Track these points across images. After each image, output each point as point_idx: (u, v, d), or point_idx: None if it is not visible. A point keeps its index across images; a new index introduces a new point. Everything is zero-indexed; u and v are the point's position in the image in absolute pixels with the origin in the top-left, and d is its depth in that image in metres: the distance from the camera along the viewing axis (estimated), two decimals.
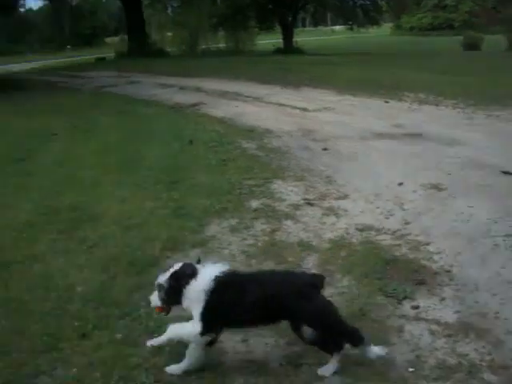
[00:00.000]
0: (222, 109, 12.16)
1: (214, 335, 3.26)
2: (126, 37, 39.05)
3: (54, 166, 8.35)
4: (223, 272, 3.26)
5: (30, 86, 22.06)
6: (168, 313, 3.39)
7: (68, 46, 61.52)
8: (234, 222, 5.51)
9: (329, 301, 3.30)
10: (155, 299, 3.38)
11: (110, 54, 37.76)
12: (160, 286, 3.32)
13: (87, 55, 43.62)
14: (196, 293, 3.19)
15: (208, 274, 3.24)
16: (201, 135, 9.37)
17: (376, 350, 3.20)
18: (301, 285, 3.20)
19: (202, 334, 3.19)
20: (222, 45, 38.20)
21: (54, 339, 3.67)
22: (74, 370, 3.35)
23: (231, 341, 3.55)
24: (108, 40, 63.15)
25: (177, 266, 3.34)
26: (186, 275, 3.25)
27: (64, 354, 3.51)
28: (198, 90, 15.79)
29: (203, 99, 13.77)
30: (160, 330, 3.65)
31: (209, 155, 8.03)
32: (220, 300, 3.18)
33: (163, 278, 3.31)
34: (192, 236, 5.20)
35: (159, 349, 3.44)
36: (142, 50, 32.69)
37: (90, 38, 66.43)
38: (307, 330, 3.15)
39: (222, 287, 3.19)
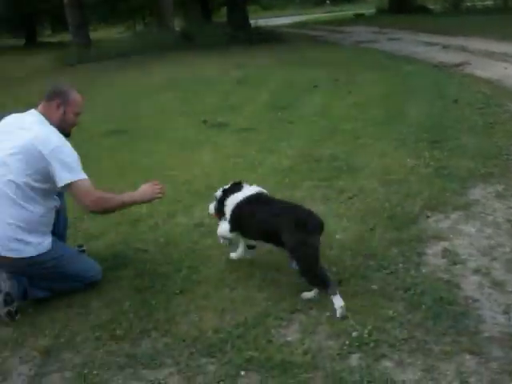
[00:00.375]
0: (488, 70, 11.40)
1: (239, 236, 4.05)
2: None
3: (315, 116, 8.58)
4: (251, 194, 3.98)
5: (291, 39, 22.77)
6: (220, 219, 4.13)
7: (327, 1, 62.14)
8: (500, 187, 5.16)
9: (314, 244, 3.53)
10: (211, 207, 4.22)
11: (368, 10, 37.52)
12: (215, 198, 4.14)
13: (346, 11, 43.79)
14: (229, 205, 3.95)
15: (242, 193, 3.97)
16: (465, 96, 8.90)
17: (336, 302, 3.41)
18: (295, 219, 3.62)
19: (231, 231, 3.96)
20: (489, 2, 35.75)
21: None
22: (328, 313, 3.42)
23: (490, 310, 3.37)
24: None
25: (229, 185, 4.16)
26: (229, 192, 4.03)
27: (320, 297, 3.59)
28: (463, 49, 15.00)
29: (468, 59, 13.05)
30: (416, 286, 3.61)
31: (474, 116, 7.60)
32: (240, 213, 3.91)
33: (218, 192, 4.13)
34: (454, 198, 4.98)
35: (416, 306, 3.40)
36: (402, 7, 32.01)
37: None
38: (292, 261, 3.69)
39: (245, 204, 3.91)
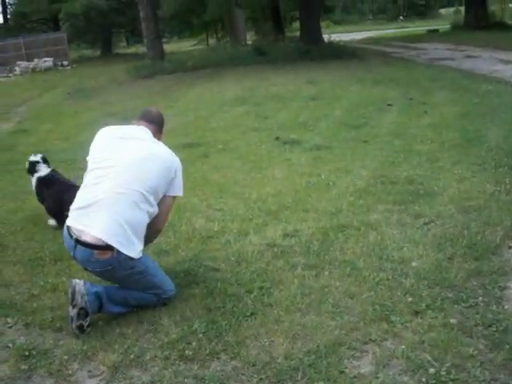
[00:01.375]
0: None
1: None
2: (461, 8, 37.63)
3: (390, 136, 8.40)
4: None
5: (364, 55, 22.52)
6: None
7: (400, 18, 61.52)
8: None
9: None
10: None
11: (443, 26, 36.82)
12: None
13: (419, 26, 43.16)
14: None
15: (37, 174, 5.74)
16: None
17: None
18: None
19: None
20: None
21: (386, 310, 3.65)
22: (403, 346, 3.27)
23: None
24: (443, 11, 61.76)
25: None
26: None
27: (394, 328, 3.46)
28: None
29: None
30: (499, 323, 3.41)
31: None
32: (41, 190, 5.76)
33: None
34: None
35: (498, 344, 3.21)
36: (479, 22, 31.24)
37: (424, 9, 65.37)
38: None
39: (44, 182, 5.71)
